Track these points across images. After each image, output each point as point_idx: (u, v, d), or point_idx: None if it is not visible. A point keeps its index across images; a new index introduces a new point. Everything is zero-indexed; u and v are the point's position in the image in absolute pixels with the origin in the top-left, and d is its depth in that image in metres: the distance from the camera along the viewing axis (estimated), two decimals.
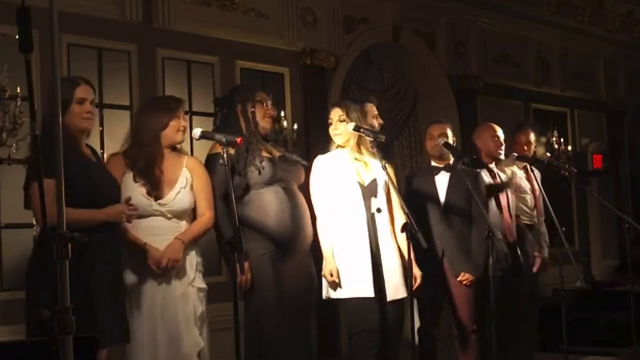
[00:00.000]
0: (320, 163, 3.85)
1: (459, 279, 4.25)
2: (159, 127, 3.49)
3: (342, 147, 3.85)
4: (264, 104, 3.82)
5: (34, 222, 3.85)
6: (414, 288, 3.71)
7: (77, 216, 3.00)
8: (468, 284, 4.25)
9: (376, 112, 4.30)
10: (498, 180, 4.75)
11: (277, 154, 3.83)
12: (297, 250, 3.72)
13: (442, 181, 4.37)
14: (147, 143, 3.47)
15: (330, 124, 3.85)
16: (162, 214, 3.44)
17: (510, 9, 7.83)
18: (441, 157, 4.41)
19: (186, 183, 3.50)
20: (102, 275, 3.14)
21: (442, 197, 4.34)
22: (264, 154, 3.72)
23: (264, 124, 3.82)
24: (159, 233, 3.41)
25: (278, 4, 5.93)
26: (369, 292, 3.64)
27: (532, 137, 5.23)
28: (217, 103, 4.08)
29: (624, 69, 9.45)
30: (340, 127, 3.81)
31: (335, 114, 3.84)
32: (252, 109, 3.77)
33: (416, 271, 3.74)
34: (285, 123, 5.73)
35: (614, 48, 9.24)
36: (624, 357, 5.38)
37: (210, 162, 3.67)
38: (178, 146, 3.62)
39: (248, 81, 5.58)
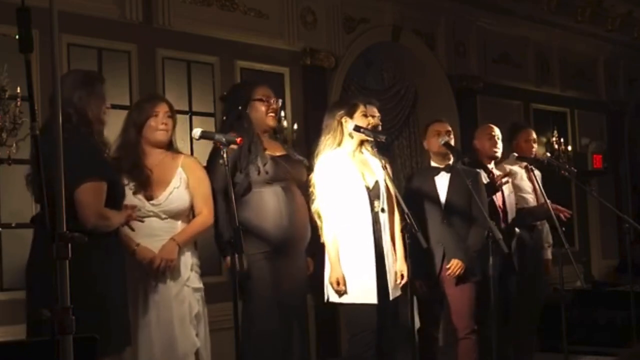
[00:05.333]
0: (326, 164, 3.77)
1: (447, 266, 4.21)
2: (137, 127, 3.51)
3: (364, 142, 3.80)
4: (268, 100, 3.79)
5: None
6: (400, 285, 3.74)
7: (115, 219, 3.09)
8: (457, 271, 4.19)
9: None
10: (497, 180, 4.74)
11: (281, 152, 3.82)
12: (293, 250, 3.72)
13: (442, 182, 4.34)
14: (129, 144, 3.50)
15: (366, 116, 3.81)
16: (156, 215, 3.43)
17: (510, 9, 7.82)
18: (444, 157, 4.36)
19: (180, 183, 3.48)
20: (111, 278, 3.14)
21: (442, 198, 4.32)
22: (267, 152, 3.70)
23: (269, 121, 3.79)
24: (153, 234, 3.41)
25: (278, 4, 5.93)
26: (372, 298, 3.64)
27: (534, 135, 5.24)
28: (223, 100, 4.05)
29: (624, 69, 9.44)
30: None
31: (367, 110, 3.85)
32: (255, 108, 3.74)
33: (403, 268, 3.75)
34: (285, 123, 5.72)
35: (614, 48, 9.24)
36: (623, 357, 5.38)
37: (214, 156, 3.64)
38: (175, 146, 3.62)
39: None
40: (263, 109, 3.77)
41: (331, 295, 3.72)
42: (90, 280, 2.88)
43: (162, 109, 3.53)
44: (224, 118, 3.84)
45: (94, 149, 3.09)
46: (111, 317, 3.05)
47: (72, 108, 3.03)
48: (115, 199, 3.11)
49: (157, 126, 3.50)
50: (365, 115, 3.81)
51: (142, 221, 3.33)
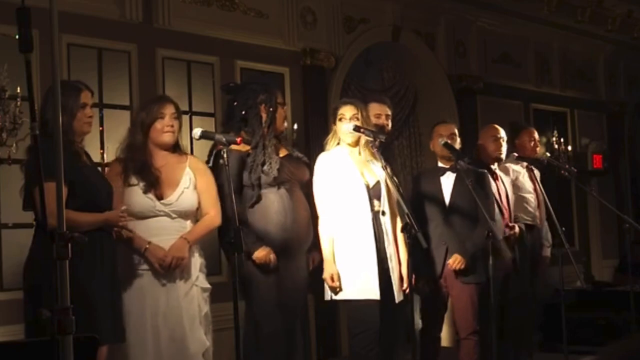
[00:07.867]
0: (324, 162, 3.79)
1: (449, 261, 4.21)
2: (143, 129, 3.52)
3: (351, 145, 3.80)
4: (283, 106, 3.86)
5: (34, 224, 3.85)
6: (407, 292, 3.72)
7: (80, 219, 3.08)
8: (458, 265, 4.20)
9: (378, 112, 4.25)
10: (499, 180, 4.74)
11: (284, 152, 3.83)
12: (295, 252, 3.73)
13: (447, 182, 4.34)
14: (135, 146, 3.51)
15: (341, 119, 3.80)
16: (167, 214, 3.45)
17: (510, 9, 7.82)
18: (449, 158, 4.35)
19: (189, 183, 3.52)
20: (99, 274, 3.16)
21: (447, 198, 4.32)
22: (275, 156, 3.71)
23: (281, 126, 3.85)
24: (163, 233, 3.43)
25: (278, 4, 5.92)
26: (374, 294, 3.63)
27: (537, 135, 5.24)
28: (229, 91, 4.03)
29: (624, 69, 9.44)
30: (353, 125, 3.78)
31: (350, 111, 3.79)
32: (275, 112, 3.76)
33: (406, 274, 3.74)
34: (285, 123, 5.71)
35: (614, 48, 9.24)
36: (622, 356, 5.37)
37: (218, 159, 3.64)
38: (182, 146, 3.63)
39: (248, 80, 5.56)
40: (283, 114, 3.84)
41: (332, 293, 3.72)
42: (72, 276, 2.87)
43: (168, 111, 3.54)
44: (243, 113, 3.77)
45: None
46: (94, 312, 3.07)
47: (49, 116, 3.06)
48: (84, 201, 3.14)
49: (164, 128, 3.52)
50: (344, 118, 3.79)
51: (130, 220, 3.34)
